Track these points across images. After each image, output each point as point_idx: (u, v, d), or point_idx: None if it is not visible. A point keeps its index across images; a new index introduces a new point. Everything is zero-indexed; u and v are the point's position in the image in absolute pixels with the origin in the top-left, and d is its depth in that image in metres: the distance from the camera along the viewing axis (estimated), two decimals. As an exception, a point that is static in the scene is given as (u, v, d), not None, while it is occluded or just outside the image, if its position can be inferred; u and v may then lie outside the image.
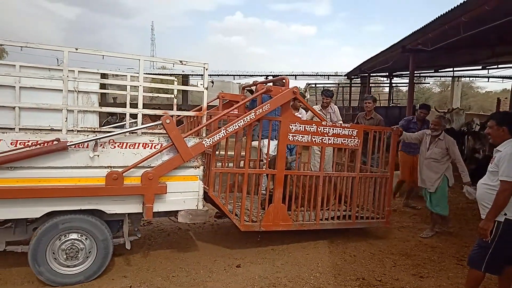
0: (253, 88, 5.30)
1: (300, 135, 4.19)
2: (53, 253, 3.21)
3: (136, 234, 3.69)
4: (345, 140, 4.48)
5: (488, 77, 20.89)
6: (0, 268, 3.49)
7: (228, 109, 4.20)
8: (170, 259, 3.94)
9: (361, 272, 3.79)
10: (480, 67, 13.87)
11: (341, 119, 6.71)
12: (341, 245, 4.55)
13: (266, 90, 4.08)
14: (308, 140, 4.25)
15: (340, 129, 4.45)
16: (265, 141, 4.87)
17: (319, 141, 4.33)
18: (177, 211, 3.60)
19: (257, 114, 3.90)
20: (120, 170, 3.24)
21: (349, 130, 4.50)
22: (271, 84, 4.34)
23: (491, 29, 5.33)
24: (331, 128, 4.39)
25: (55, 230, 3.19)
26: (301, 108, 6.40)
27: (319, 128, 4.30)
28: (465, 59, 11.08)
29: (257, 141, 4.38)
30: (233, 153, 5.08)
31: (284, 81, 4.29)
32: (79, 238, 3.29)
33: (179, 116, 4.53)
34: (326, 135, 4.34)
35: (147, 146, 3.37)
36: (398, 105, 17.80)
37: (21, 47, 3.03)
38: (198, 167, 3.62)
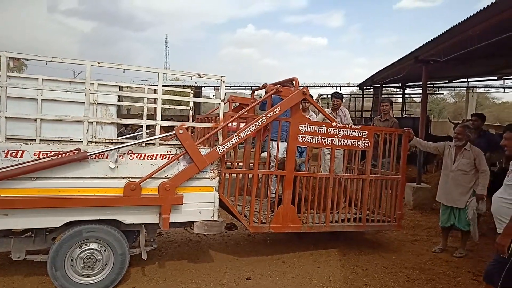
0: (262, 92, 5.31)
1: (310, 136, 4.20)
2: (72, 260, 3.28)
3: (152, 244, 3.75)
4: (355, 141, 4.46)
5: (504, 88, 20.56)
6: (14, 277, 3.59)
7: (238, 112, 4.20)
8: (180, 270, 3.98)
9: (374, 286, 3.77)
10: (495, 78, 13.70)
11: (351, 122, 6.67)
12: (353, 258, 4.53)
13: (276, 91, 4.09)
14: (317, 141, 4.25)
15: (350, 131, 4.43)
16: (274, 143, 4.88)
17: (329, 142, 4.32)
18: (192, 222, 3.65)
19: (268, 117, 3.93)
20: (137, 181, 3.32)
21: (359, 132, 4.48)
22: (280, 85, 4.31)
23: (505, 40, 5.30)
24: (341, 129, 4.38)
25: (78, 237, 3.28)
26: (311, 111, 6.40)
27: (329, 129, 4.30)
28: (479, 69, 10.94)
29: (266, 152, 4.38)
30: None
31: (293, 82, 4.29)
32: (99, 249, 3.36)
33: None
34: (336, 136, 4.34)
35: (164, 157, 3.44)
36: (412, 116, 17.64)
37: (46, 61, 3.15)
38: (214, 178, 3.68)
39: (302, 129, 4.15)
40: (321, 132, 4.25)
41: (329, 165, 4.55)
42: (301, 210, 4.36)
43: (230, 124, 3.96)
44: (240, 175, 4.20)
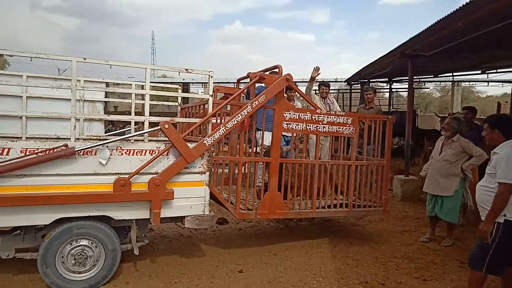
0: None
1: (295, 123, 4.19)
2: (62, 257, 3.26)
3: (143, 240, 3.74)
4: (340, 128, 4.47)
5: (488, 82, 20.95)
6: (4, 275, 3.55)
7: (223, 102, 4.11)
8: (172, 265, 3.98)
9: (364, 276, 3.82)
10: (479, 72, 13.95)
11: (340, 110, 6.72)
12: (344, 249, 4.59)
13: (259, 78, 4.07)
14: (302, 128, 4.25)
15: (334, 117, 4.45)
16: (260, 133, 4.86)
17: (314, 129, 4.33)
18: (183, 217, 3.65)
19: (253, 106, 3.90)
20: (127, 176, 3.30)
21: (344, 118, 4.49)
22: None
23: (488, 34, 5.42)
24: (326, 116, 4.39)
25: (68, 234, 3.26)
26: (297, 100, 6.41)
27: (314, 116, 4.30)
28: (464, 63, 11.13)
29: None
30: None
31: (277, 69, 4.25)
32: (89, 245, 3.35)
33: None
34: (320, 123, 4.34)
35: (153, 152, 3.43)
36: (399, 110, 17.88)
37: (31, 57, 3.11)
38: (204, 173, 3.68)
39: (286, 116, 4.14)
40: (306, 119, 4.25)
41: (315, 152, 4.55)
42: (288, 197, 4.38)
43: (216, 117, 3.89)
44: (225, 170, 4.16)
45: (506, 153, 2.87)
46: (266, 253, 4.39)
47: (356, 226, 5.65)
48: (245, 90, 4.56)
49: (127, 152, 3.37)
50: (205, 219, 3.67)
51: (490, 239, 2.84)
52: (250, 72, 4.28)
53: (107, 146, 3.27)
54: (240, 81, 5.59)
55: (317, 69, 5.97)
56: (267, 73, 4.34)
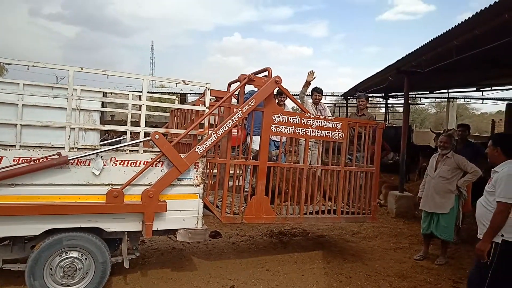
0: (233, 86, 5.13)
1: (284, 127, 4.15)
2: (51, 269, 3.20)
3: (134, 252, 3.69)
4: (329, 132, 4.43)
5: (483, 99, 21.15)
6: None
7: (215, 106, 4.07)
8: (163, 279, 3.92)
9: (358, 294, 3.78)
10: (474, 89, 14.10)
11: (331, 116, 6.70)
12: (337, 266, 4.54)
13: (248, 80, 4.03)
14: (291, 132, 4.22)
15: (324, 122, 4.41)
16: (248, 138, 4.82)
17: (303, 133, 4.29)
18: (176, 230, 3.60)
19: (244, 111, 3.88)
20: (120, 187, 3.26)
21: (333, 123, 4.46)
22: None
23: (483, 52, 5.49)
24: (315, 120, 4.36)
25: (58, 246, 3.20)
26: (288, 106, 6.33)
27: (303, 119, 4.27)
28: (459, 81, 11.28)
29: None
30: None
31: (267, 72, 4.20)
32: (79, 257, 3.29)
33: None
34: (309, 127, 4.30)
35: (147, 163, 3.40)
36: (394, 125, 17.98)
37: (28, 66, 3.10)
38: (198, 185, 3.65)
39: (275, 119, 4.10)
40: (295, 122, 4.22)
41: (303, 156, 4.50)
42: (275, 202, 4.32)
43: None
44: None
45: (506, 172, 2.86)
46: (258, 268, 4.34)
47: (350, 242, 5.61)
48: (236, 94, 4.51)
49: (121, 163, 3.34)
50: (198, 233, 3.63)
51: (488, 259, 2.81)
52: (241, 75, 4.24)
53: (101, 156, 3.24)
54: (231, 85, 5.59)
55: (311, 73, 5.95)
56: (260, 75, 4.30)
